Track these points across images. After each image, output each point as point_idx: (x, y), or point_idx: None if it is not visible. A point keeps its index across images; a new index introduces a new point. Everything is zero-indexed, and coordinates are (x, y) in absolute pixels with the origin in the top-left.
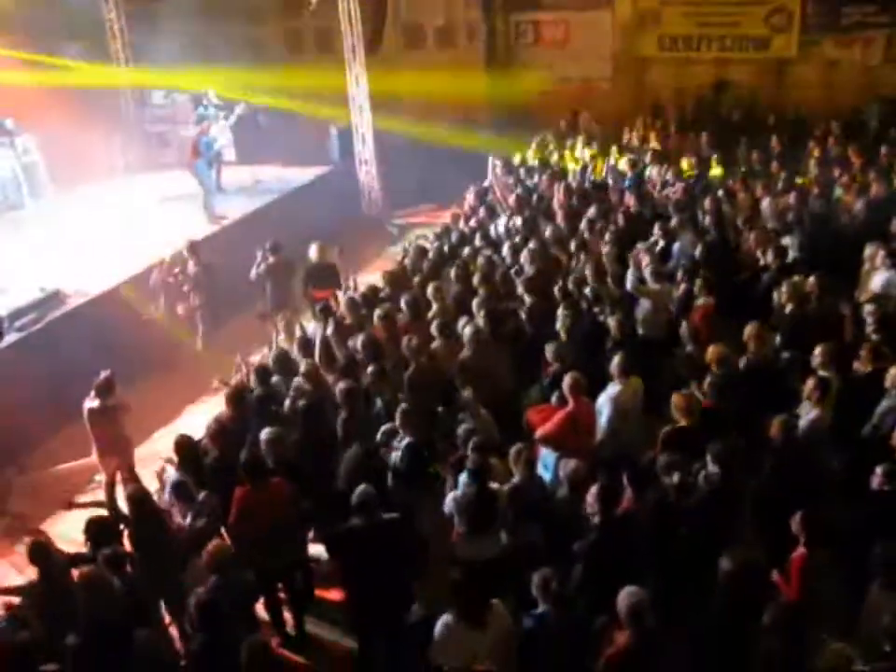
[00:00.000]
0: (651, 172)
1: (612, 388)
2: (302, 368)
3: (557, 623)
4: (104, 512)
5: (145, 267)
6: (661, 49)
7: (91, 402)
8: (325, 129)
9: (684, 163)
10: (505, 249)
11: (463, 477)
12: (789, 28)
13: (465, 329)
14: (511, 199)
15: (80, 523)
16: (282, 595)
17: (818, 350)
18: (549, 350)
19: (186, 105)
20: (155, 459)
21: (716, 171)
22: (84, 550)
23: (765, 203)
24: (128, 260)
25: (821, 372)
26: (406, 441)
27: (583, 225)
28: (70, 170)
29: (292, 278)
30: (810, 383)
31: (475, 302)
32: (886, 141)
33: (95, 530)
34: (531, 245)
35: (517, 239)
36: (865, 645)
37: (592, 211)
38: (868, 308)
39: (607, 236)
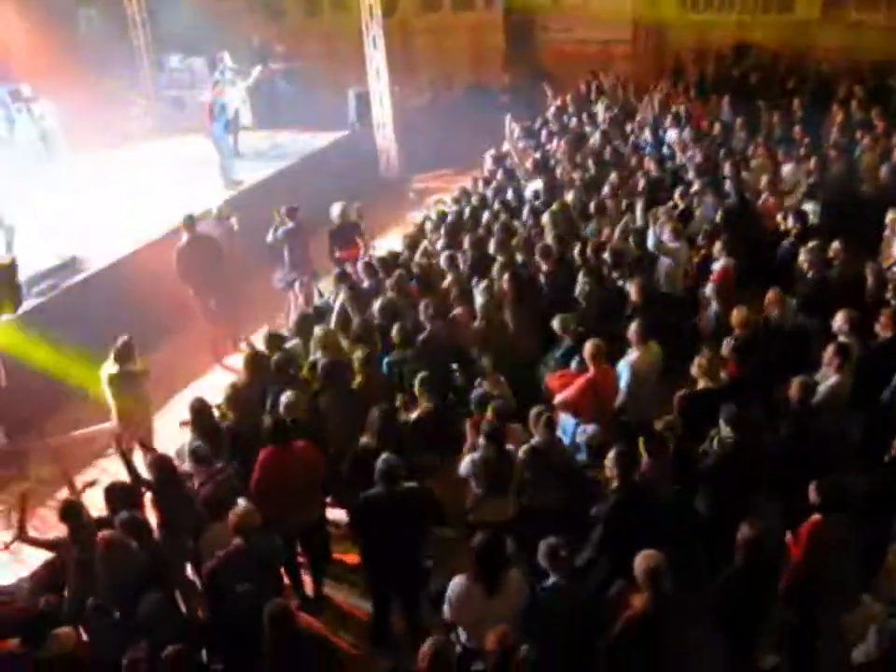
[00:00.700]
0: (672, 135)
1: (631, 354)
2: (317, 332)
3: (568, 596)
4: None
5: (163, 233)
6: (682, 11)
7: (111, 367)
8: (343, 92)
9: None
10: (524, 214)
11: (480, 439)
12: None
13: (482, 296)
14: (530, 163)
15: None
16: (300, 558)
17: (838, 316)
18: (556, 322)
19: (202, 68)
20: (174, 424)
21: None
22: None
23: (787, 168)
24: (145, 226)
25: (842, 338)
26: (425, 404)
27: (604, 190)
28: (87, 135)
29: (309, 243)
30: (830, 348)
31: (494, 268)
32: None
33: (116, 495)
34: (550, 209)
35: (536, 204)
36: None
37: (612, 176)
38: (890, 274)
39: (626, 201)
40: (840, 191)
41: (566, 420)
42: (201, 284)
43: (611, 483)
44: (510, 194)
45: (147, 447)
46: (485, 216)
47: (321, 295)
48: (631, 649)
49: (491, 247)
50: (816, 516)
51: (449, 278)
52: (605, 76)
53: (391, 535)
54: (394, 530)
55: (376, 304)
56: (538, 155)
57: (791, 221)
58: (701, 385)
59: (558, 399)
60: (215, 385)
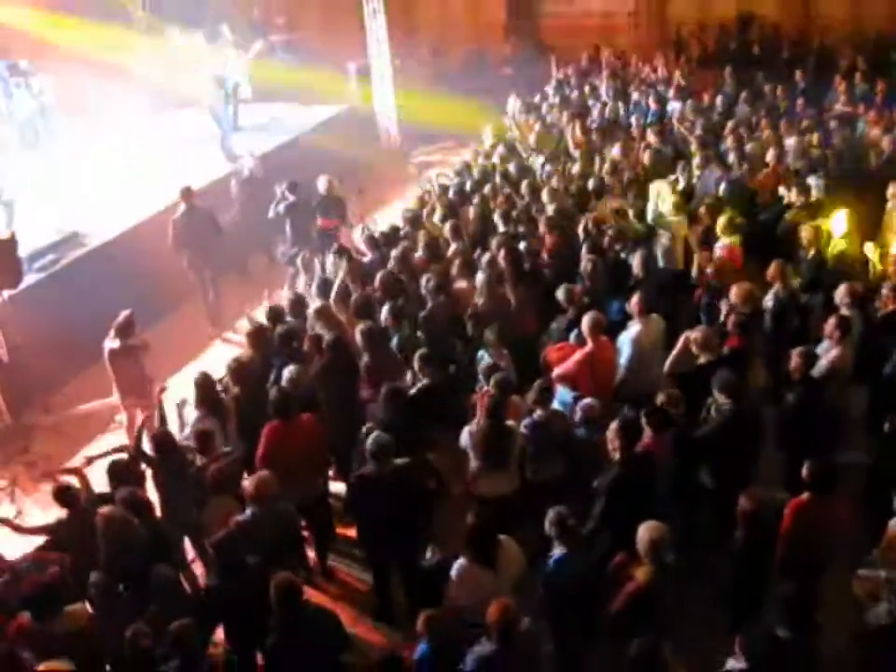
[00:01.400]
0: (675, 108)
1: (633, 327)
2: (315, 306)
3: (575, 565)
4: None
5: (164, 206)
6: None
7: (112, 342)
8: (343, 65)
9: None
10: (524, 187)
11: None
12: None
13: (483, 270)
14: (531, 137)
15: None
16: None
17: (840, 289)
18: (561, 292)
19: (201, 42)
20: (176, 398)
21: None
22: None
23: (790, 141)
24: (146, 200)
25: (844, 311)
26: (425, 378)
27: (605, 163)
28: (86, 110)
29: (311, 217)
30: (831, 321)
31: (494, 242)
32: None
33: (118, 471)
34: (552, 183)
35: (537, 177)
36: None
37: (614, 149)
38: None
39: (628, 174)
40: (843, 164)
41: (564, 393)
42: (195, 255)
43: (613, 456)
44: (511, 167)
45: (148, 426)
46: (486, 189)
47: (323, 270)
48: (634, 620)
49: (493, 221)
50: (803, 495)
51: (452, 248)
52: (607, 48)
53: (386, 511)
54: (388, 507)
55: (377, 278)
56: (539, 127)
57: (794, 194)
58: (702, 360)
59: (556, 372)
60: (218, 359)
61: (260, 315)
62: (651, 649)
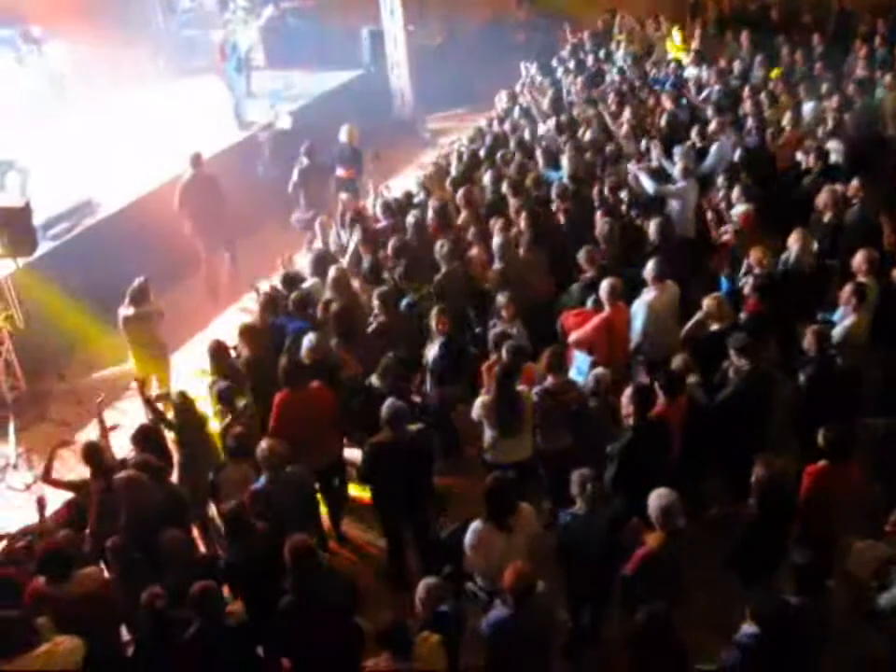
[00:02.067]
0: (691, 72)
1: (647, 293)
2: (331, 274)
3: (591, 520)
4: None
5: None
6: None
7: (126, 310)
8: (356, 31)
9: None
10: (538, 153)
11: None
12: None
13: (499, 236)
14: (545, 103)
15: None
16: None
17: (857, 256)
18: (582, 255)
19: (213, 8)
20: (191, 364)
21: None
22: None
23: (808, 107)
24: (159, 167)
25: (860, 279)
26: (440, 339)
27: (622, 129)
28: (99, 77)
29: (327, 182)
30: (848, 288)
31: (512, 205)
32: None
33: (141, 436)
34: (566, 149)
35: (551, 143)
36: None
37: (629, 114)
38: None
39: (644, 140)
40: (862, 130)
41: (581, 358)
42: (200, 222)
43: (626, 421)
44: (525, 133)
45: (163, 394)
46: (499, 155)
47: (339, 236)
48: (646, 585)
49: (506, 187)
50: (820, 463)
51: (464, 215)
52: (623, 12)
53: (401, 477)
54: (403, 472)
55: (390, 244)
56: (553, 92)
57: (812, 159)
58: (714, 327)
59: (573, 336)
60: (231, 323)
61: (274, 282)
62: (659, 614)
